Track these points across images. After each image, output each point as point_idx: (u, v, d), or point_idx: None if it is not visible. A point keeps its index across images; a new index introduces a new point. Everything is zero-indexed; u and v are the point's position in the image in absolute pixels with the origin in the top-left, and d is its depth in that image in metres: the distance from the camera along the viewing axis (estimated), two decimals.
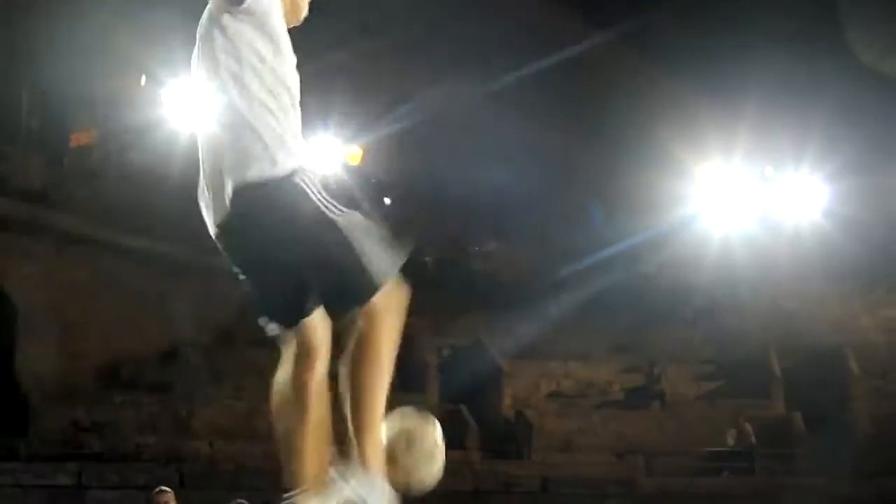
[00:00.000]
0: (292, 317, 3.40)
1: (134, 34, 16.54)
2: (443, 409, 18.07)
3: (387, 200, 20.18)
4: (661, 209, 20.91)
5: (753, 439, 18.13)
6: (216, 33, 3.23)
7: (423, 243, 18.62)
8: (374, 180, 19.57)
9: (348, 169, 18.71)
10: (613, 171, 19.74)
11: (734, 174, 20.77)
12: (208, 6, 3.26)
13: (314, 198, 3.21)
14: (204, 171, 3.32)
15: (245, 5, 3.17)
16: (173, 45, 16.03)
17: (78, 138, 19.27)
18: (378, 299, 3.27)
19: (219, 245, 3.47)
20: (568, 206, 21.06)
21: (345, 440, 3.39)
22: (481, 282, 20.52)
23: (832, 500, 14.78)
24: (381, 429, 3.40)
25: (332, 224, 3.20)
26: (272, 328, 3.57)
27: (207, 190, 3.32)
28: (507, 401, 19.22)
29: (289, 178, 3.21)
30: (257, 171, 3.17)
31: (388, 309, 3.32)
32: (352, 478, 3.33)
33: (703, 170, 20.94)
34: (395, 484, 3.41)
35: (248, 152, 3.20)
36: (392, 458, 3.46)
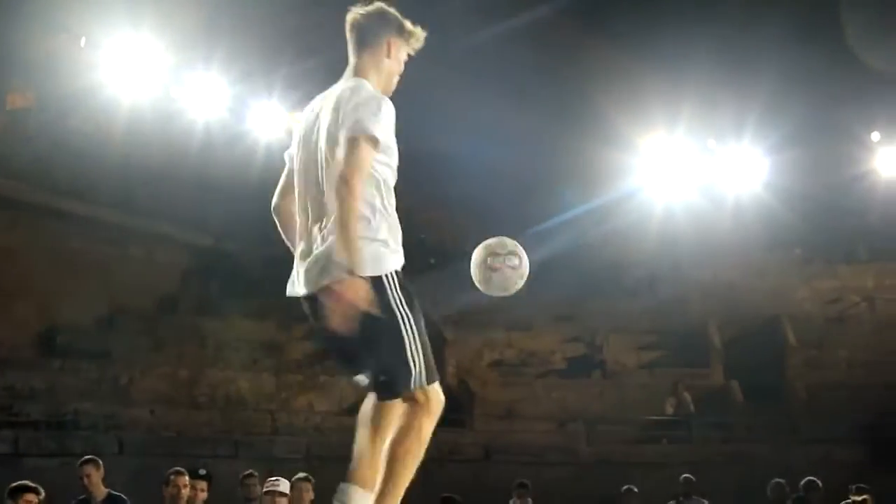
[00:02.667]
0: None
1: None
2: None
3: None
4: (605, 180, 21.01)
5: (692, 408, 18.37)
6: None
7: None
8: None
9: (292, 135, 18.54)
10: (557, 142, 19.76)
11: (677, 146, 20.91)
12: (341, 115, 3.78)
13: (394, 298, 3.78)
14: (307, 224, 3.91)
15: (380, 147, 3.76)
16: (114, 7, 15.75)
17: (14, 100, 18.86)
18: (417, 395, 3.83)
19: (305, 306, 4.04)
20: (512, 177, 21.06)
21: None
22: (424, 251, 20.51)
23: (767, 466, 15.00)
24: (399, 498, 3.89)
25: (397, 325, 3.77)
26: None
27: (306, 251, 3.92)
28: (450, 370, 19.26)
29: (381, 278, 3.77)
30: (365, 268, 3.69)
31: (423, 405, 3.86)
32: None
33: (646, 142, 21.05)
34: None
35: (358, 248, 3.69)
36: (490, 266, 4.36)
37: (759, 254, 21.95)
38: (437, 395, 3.91)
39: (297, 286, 3.97)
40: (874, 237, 22.71)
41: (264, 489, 8.98)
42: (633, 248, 22.00)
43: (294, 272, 3.98)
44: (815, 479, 12.91)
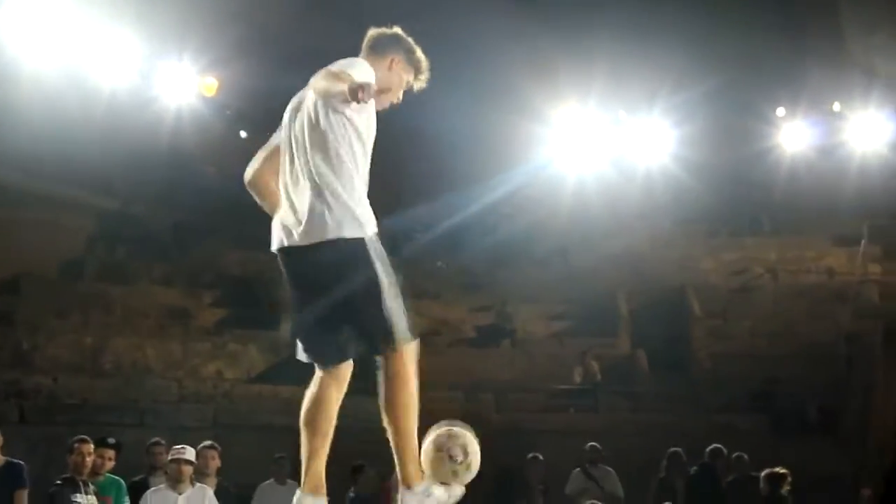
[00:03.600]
0: (336, 360, 4.28)
1: None
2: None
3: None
4: (517, 151, 21.08)
5: (599, 377, 18.62)
6: (324, 113, 4.05)
7: None
8: (228, 112, 19.15)
9: (204, 100, 18.25)
10: (470, 112, 19.76)
11: (588, 117, 21.05)
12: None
13: (373, 260, 4.07)
14: (290, 197, 4.12)
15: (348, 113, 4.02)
16: None
17: None
18: (398, 352, 4.19)
19: (280, 260, 4.23)
20: (423, 145, 21.02)
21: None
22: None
23: (670, 434, 15.34)
24: (417, 449, 4.29)
25: (377, 286, 4.05)
26: (304, 357, 4.32)
27: (289, 212, 4.11)
28: None
29: (361, 240, 4.06)
30: (345, 230, 4.03)
31: (406, 360, 4.24)
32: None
33: (558, 113, 21.15)
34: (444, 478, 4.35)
35: (335, 212, 4.03)
36: (440, 463, 4.36)
37: (667, 225, 22.29)
38: (415, 349, 4.30)
39: (284, 240, 4.16)
40: (778, 210, 23.25)
41: (170, 457, 8.90)
42: (544, 218, 22.16)
43: (279, 228, 4.18)
44: (720, 446, 13.27)
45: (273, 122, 4.47)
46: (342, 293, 4.05)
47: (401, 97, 4.48)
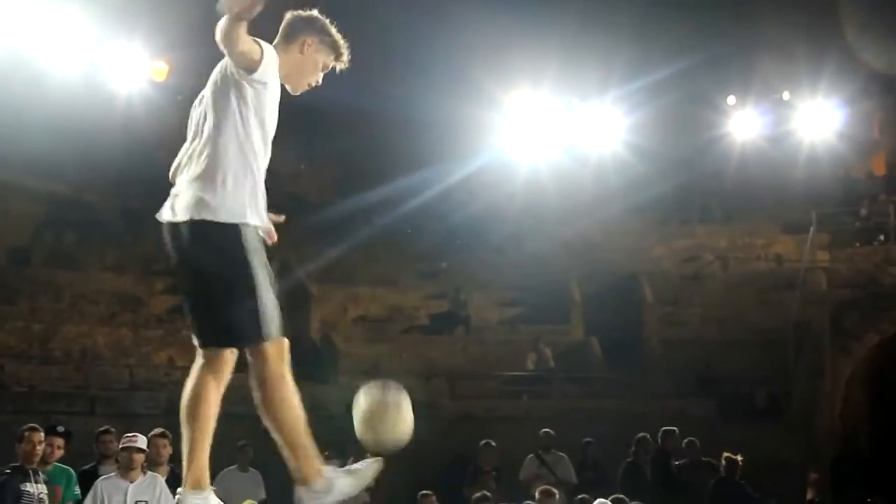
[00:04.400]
0: (206, 344, 4.09)
1: None
2: None
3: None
4: (470, 138, 21.10)
5: (552, 363, 18.71)
6: (231, 87, 3.98)
7: None
8: (179, 97, 18.94)
9: (155, 85, 18.06)
10: (423, 99, 19.74)
11: (542, 104, 21.11)
12: (225, 62, 3.97)
13: (247, 249, 3.94)
14: (182, 173, 4.07)
15: (256, 75, 3.94)
16: None
17: None
18: (268, 347, 3.98)
19: (165, 232, 4.11)
20: (377, 132, 20.97)
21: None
22: (288, 205, 20.31)
23: (621, 420, 15.48)
24: (309, 446, 4.07)
25: (248, 276, 3.93)
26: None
27: (178, 187, 4.06)
28: (315, 325, 19.19)
29: (236, 227, 3.94)
30: (221, 214, 3.92)
31: (277, 355, 4.01)
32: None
33: (511, 99, 21.19)
34: (372, 446, 4.26)
35: (217, 195, 3.94)
36: (371, 426, 4.27)
37: (619, 213, 22.42)
38: (286, 347, 4.07)
39: (166, 213, 4.10)
40: (728, 198, 23.49)
41: (121, 445, 8.82)
42: (498, 205, 22.20)
43: (168, 201, 4.13)
44: (673, 428, 13.43)
45: None
46: (210, 277, 3.96)
47: (320, 80, 4.40)
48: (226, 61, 3.99)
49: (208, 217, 3.93)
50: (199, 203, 3.94)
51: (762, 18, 22.56)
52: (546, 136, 21.50)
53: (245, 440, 11.70)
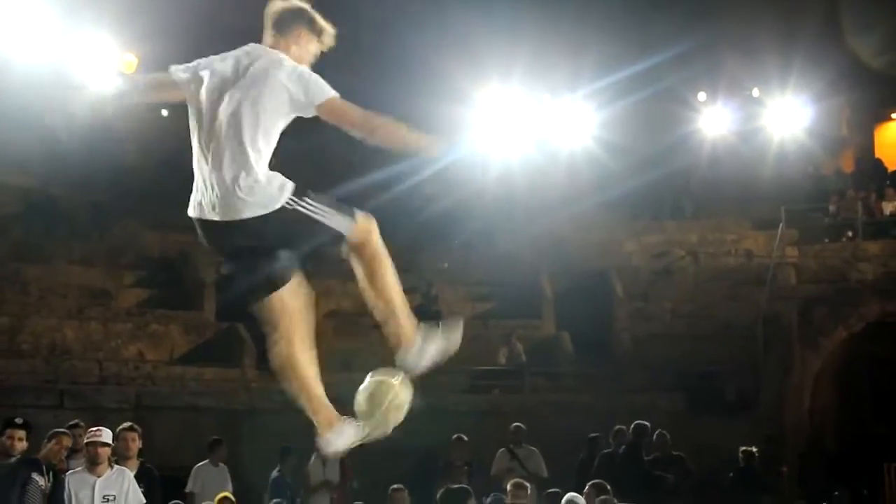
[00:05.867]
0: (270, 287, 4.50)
1: None
2: (219, 327, 17.82)
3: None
4: (440, 132, 21.02)
5: (523, 358, 18.75)
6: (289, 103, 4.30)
7: None
8: None
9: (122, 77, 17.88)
10: (394, 94, 19.68)
11: (512, 100, 21.10)
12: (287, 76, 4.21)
13: (299, 205, 4.30)
14: (211, 162, 4.16)
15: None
16: None
17: None
18: (355, 233, 4.46)
19: (199, 228, 4.23)
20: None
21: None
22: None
23: (590, 414, 15.54)
24: (408, 309, 4.60)
25: (307, 219, 4.31)
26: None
27: (209, 186, 4.14)
28: None
29: (282, 209, 4.26)
30: (268, 206, 4.23)
31: (369, 233, 4.55)
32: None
33: (481, 94, 21.16)
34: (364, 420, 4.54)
35: (263, 185, 4.25)
36: (366, 412, 4.59)
37: (590, 208, 22.47)
38: (373, 220, 4.53)
39: (208, 212, 4.18)
40: (698, 194, 23.60)
41: (86, 440, 8.77)
42: (469, 199, 22.18)
43: (200, 198, 4.20)
44: (645, 423, 13.52)
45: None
46: (294, 235, 4.42)
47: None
48: (289, 77, 4.21)
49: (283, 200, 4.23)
50: (281, 189, 4.26)
51: (731, 15, 22.66)
52: (517, 132, 21.48)
53: (217, 436, 11.68)
